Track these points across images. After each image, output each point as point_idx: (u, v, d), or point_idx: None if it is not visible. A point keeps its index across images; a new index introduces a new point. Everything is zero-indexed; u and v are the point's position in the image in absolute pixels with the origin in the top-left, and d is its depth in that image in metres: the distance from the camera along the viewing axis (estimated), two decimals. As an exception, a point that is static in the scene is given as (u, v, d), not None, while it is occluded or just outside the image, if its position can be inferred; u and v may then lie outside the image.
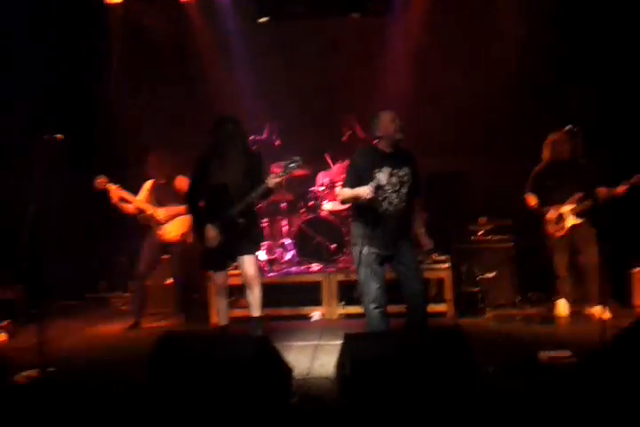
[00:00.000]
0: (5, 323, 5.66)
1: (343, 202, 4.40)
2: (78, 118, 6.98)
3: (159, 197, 5.80)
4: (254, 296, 4.68)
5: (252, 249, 4.74)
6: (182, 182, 5.71)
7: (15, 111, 6.55)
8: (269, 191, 4.62)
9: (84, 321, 6.20)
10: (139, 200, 5.73)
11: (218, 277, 4.80)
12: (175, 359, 3.32)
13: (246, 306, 4.85)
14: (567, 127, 4.54)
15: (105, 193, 5.60)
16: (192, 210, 4.80)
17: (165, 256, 5.98)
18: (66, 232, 7.24)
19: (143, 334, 5.49)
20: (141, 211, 5.72)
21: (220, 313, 4.91)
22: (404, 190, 4.19)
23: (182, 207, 5.62)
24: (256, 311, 4.70)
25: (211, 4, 7.34)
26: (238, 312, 5.44)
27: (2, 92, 6.36)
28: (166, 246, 5.86)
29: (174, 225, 5.77)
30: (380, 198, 4.14)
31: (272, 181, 4.50)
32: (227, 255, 4.73)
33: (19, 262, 5.43)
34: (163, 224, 5.74)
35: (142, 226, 5.83)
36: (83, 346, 5.19)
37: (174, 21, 7.42)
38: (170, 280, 6.12)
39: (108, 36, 7.44)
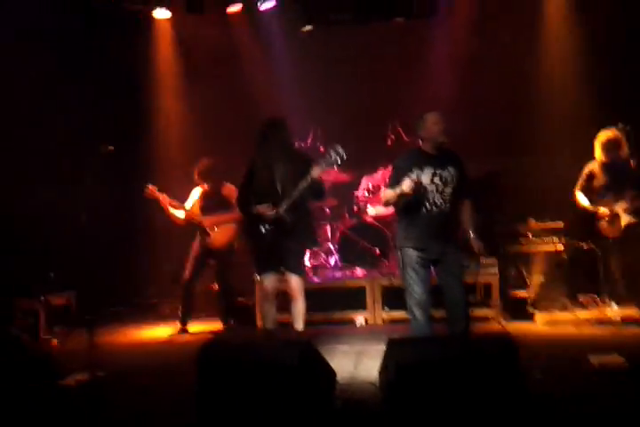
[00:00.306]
0: (58, 329, 5.83)
1: (386, 203, 4.32)
2: (126, 130, 7.19)
3: (207, 205, 5.89)
4: (297, 309, 4.60)
5: (301, 254, 4.73)
6: (230, 190, 5.80)
7: (67, 123, 6.77)
8: (316, 184, 4.45)
9: (133, 326, 6.36)
10: (188, 208, 5.83)
11: (266, 280, 4.64)
12: (221, 365, 3.35)
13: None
14: (618, 126, 4.40)
15: (155, 202, 5.76)
16: (243, 212, 4.70)
17: (212, 262, 6.07)
18: (116, 240, 7.45)
19: (190, 338, 5.60)
20: (191, 219, 5.82)
21: (265, 318, 4.81)
22: (447, 191, 4.15)
23: (229, 215, 5.70)
24: (299, 324, 4.61)
25: (257, 15, 7.43)
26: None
27: (54, 104, 6.56)
28: (213, 253, 5.94)
29: (221, 232, 5.85)
30: (423, 200, 4.11)
31: (315, 171, 4.37)
32: (277, 258, 4.58)
33: (71, 270, 5.67)
34: (211, 231, 5.82)
35: (190, 233, 5.92)
36: (131, 351, 5.32)
37: (222, 33, 7.56)
38: (216, 286, 6.18)
39: (156, 48, 7.64)
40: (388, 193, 4.18)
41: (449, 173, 4.16)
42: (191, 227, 5.94)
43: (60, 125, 6.70)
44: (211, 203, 5.90)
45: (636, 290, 5.33)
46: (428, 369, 3.17)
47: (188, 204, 5.92)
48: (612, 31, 6.58)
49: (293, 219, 4.44)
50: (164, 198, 5.74)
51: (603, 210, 5.29)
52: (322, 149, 6.78)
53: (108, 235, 7.10)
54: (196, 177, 5.93)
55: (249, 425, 3.15)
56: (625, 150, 5.07)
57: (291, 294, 4.60)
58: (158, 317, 6.76)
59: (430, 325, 4.13)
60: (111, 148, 4.66)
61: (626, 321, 5.25)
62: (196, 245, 5.92)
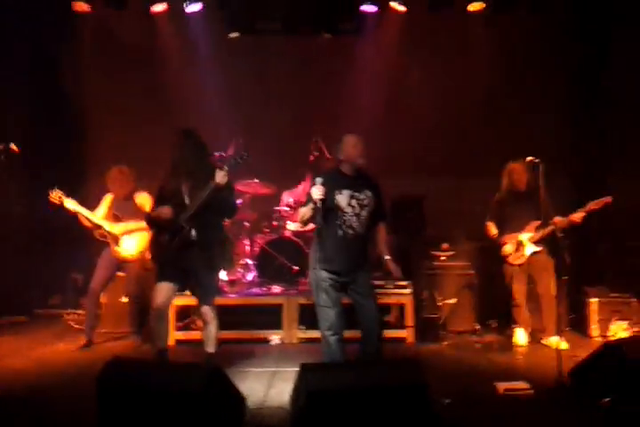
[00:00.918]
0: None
1: (302, 220, 4.23)
2: (45, 131, 6.85)
3: (118, 213, 5.64)
4: (209, 332, 4.38)
5: (210, 276, 4.35)
6: (143, 198, 5.60)
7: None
8: (219, 189, 4.15)
9: (34, 339, 5.94)
10: (96, 216, 5.56)
11: (159, 292, 4.23)
12: (122, 389, 3.20)
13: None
14: (527, 159, 4.55)
15: (60, 207, 5.41)
16: (146, 220, 4.54)
17: (121, 273, 5.81)
18: (18, 243, 7.04)
19: (94, 354, 5.26)
20: (98, 226, 5.55)
21: (158, 337, 4.34)
22: (364, 214, 4.19)
23: (141, 223, 5.48)
24: (210, 348, 4.39)
25: (182, 17, 7.25)
26: (193, 334, 5.34)
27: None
28: (123, 263, 5.69)
29: (132, 242, 5.62)
30: (339, 222, 4.13)
31: (218, 176, 4.11)
32: (178, 274, 4.27)
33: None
34: (120, 240, 5.59)
35: (99, 241, 5.65)
36: (30, 367, 4.92)
37: (144, 33, 7.32)
38: (125, 299, 5.92)
39: (77, 44, 7.31)
40: (302, 210, 4.17)
41: (365, 195, 4.21)
42: (102, 236, 5.63)
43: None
44: (122, 211, 5.63)
45: (540, 316, 5.49)
46: (339, 396, 3.15)
47: (99, 211, 5.64)
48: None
49: (198, 232, 4.17)
50: (70, 204, 5.39)
51: (507, 242, 5.49)
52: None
53: (10, 239, 6.74)
54: (108, 183, 5.67)
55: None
56: (532, 182, 5.23)
57: (202, 317, 4.41)
58: (62, 329, 6.35)
59: (342, 348, 4.12)
60: (14, 147, 4.34)
61: (531, 347, 5.42)
62: (105, 255, 5.64)
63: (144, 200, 5.57)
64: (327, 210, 4.07)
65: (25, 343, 5.75)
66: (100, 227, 5.54)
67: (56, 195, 5.36)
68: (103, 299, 5.84)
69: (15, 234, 6.88)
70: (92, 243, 5.84)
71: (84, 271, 6.59)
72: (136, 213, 5.57)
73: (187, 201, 4.25)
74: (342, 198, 4.12)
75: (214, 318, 4.37)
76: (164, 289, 4.24)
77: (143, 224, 5.36)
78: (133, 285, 5.75)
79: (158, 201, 4.42)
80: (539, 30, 6.99)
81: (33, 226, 6.99)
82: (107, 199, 5.72)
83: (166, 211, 4.23)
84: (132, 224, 5.58)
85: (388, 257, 4.32)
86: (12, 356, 5.24)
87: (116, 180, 5.64)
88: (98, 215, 5.58)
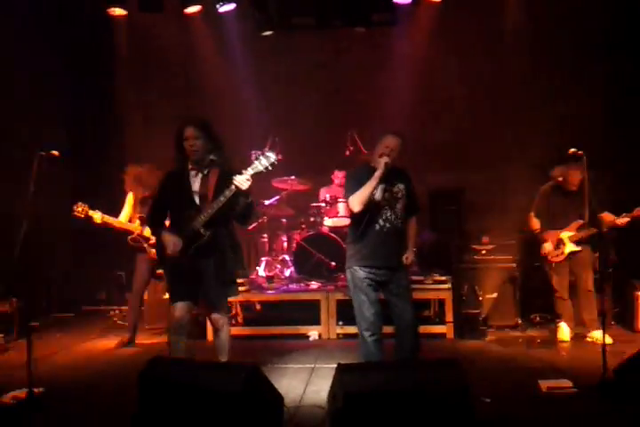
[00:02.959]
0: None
1: (361, 202, 3.98)
2: (85, 133, 7.01)
3: (146, 211, 5.43)
4: (221, 340, 4.11)
5: (222, 283, 3.98)
6: None
7: (17, 127, 6.51)
8: (241, 195, 3.78)
9: (80, 335, 6.11)
10: (124, 222, 5.49)
11: (177, 310, 3.94)
12: (163, 388, 3.24)
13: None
14: (570, 151, 4.40)
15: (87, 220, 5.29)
16: (153, 233, 4.26)
17: (161, 271, 5.84)
18: (65, 244, 7.22)
19: (137, 352, 5.40)
20: (130, 232, 5.50)
21: (174, 351, 3.98)
22: (399, 206, 4.16)
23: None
24: (223, 356, 4.11)
25: (215, 17, 7.27)
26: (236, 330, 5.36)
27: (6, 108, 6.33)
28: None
29: None
30: (375, 216, 4.08)
31: (239, 180, 3.70)
32: (193, 286, 3.94)
33: (13, 276, 5.40)
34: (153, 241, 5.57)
35: (132, 246, 5.57)
36: (76, 363, 5.08)
37: (179, 34, 7.39)
38: (166, 295, 6.00)
39: (114, 48, 7.42)
40: (356, 194, 4.01)
41: (399, 189, 4.18)
42: (134, 240, 5.52)
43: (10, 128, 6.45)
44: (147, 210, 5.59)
45: (583, 311, 5.36)
46: (376, 398, 3.12)
47: (123, 213, 5.56)
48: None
49: (213, 238, 3.85)
50: (96, 217, 5.25)
51: (549, 239, 5.40)
52: (279, 157, 6.60)
53: (54, 237, 6.89)
54: (127, 185, 5.58)
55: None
56: (579, 179, 5.08)
57: (213, 325, 4.16)
58: (106, 326, 6.51)
59: (380, 348, 4.09)
60: (55, 152, 4.38)
61: (575, 341, 5.31)
62: (142, 255, 5.60)
63: None
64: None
65: (72, 340, 5.92)
66: (131, 232, 5.50)
67: (81, 209, 5.23)
68: (145, 296, 5.92)
69: (61, 233, 7.04)
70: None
71: (125, 268, 6.70)
72: None
73: (197, 200, 3.92)
74: (377, 191, 4.07)
75: (225, 324, 4.10)
76: (180, 307, 3.96)
77: None
78: None
79: (158, 208, 4.10)
80: (575, 15, 6.74)
81: (77, 225, 7.13)
82: (129, 200, 5.62)
83: (176, 243, 3.87)
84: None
85: (410, 248, 4.23)
86: (59, 352, 5.40)
87: (134, 180, 5.53)
88: (122, 218, 5.51)
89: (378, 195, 4.08)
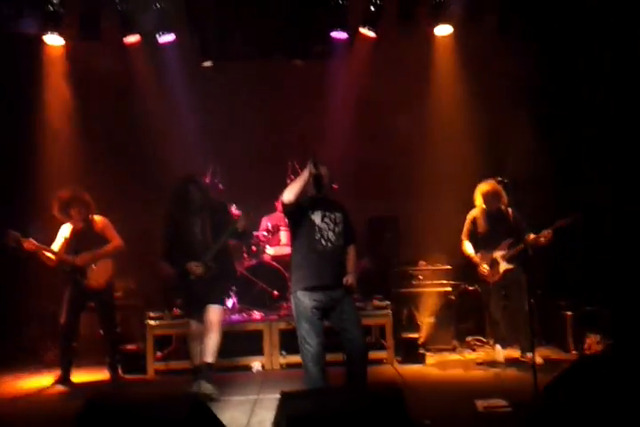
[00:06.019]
0: None
1: (292, 192, 4.13)
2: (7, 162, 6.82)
3: (80, 241, 5.43)
4: (210, 342, 4.71)
5: (221, 298, 4.96)
6: (103, 223, 5.48)
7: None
8: (239, 233, 4.94)
9: (8, 374, 5.86)
10: (57, 251, 5.38)
11: (193, 324, 4.88)
12: (105, 424, 3.20)
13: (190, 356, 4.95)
14: (497, 179, 4.66)
15: (20, 249, 5.18)
16: (173, 266, 4.91)
17: (93, 304, 5.59)
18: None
19: (72, 390, 5.23)
20: (62, 261, 5.37)
21: (193, 356, 4.91)
22: (338, 229, 4.27)
23: (104, 250, 5.42)
24: (209, 357, 4.70)
25: (155, 47, 7.30)
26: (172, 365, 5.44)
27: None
28: (91, 294, 5.47)
29: (98, 270, 5.44)
30: (317, 237, 4.18)
31: (240, 223, 4.91)
32: (201, 302, 4.81)
33: None
34: (86, 271, 5.42)
35: (65, 275, 5.46)
36: (3, 403, 4.87)
37: (117, 64, 7.37)
38: (100, 331, 5.66)
39: (46, 78, 7.31)
40: (294, 183, 4.20)
41: (336, 216, 4.31)
42: (67, 269, 5.42)
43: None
44: (83, 239, 5.44)
45: (516, 332, 5.55)
46: (319, 422, 3.17)
47: (56, 244, 5.43)
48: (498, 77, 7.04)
49: (217, 267, 4.79)
50: (28, 245, 5.18)
51: (482, 260, 5.59)
52: (220, 186, 6.68)
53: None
54: (55, 211, 5.39)
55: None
56: (503, 201, 5.39)
57: (206, 327, 4.74)
58: (38, 363, 6.22)
59: (325, 378, 4.08)
60: None
61: (509, 362, 5.48)
62: (71, 288, 5.43)
63: (104, 224, 5.48)
64: (304, 229, 4.18)
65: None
66: (64, 262, 5.37)
67: (13, 237, 5.12)
68: (76, 333, 5.59)
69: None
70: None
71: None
72: (97, 238, 5.44)
73: (199, 236, 4.83)
74: (316, 217, 4.22)
75: (217, 324, 4.75)
76: (196, 321, 4.85)
77: (106, 249, 5.41)
78: (106, 315, 5.58)
79: (170, 245, 4.90)
80: (504, 50, 7.12)
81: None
82: (63, 230, 5.50)
83: (199, 268, 4.78)
84: (96, 252, 5.42)
85: (352, 273, 4.29)
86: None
87: (64, 205, 5.38)
88: (56, 249, 5.38)
89: (317, 220, 4.20)
